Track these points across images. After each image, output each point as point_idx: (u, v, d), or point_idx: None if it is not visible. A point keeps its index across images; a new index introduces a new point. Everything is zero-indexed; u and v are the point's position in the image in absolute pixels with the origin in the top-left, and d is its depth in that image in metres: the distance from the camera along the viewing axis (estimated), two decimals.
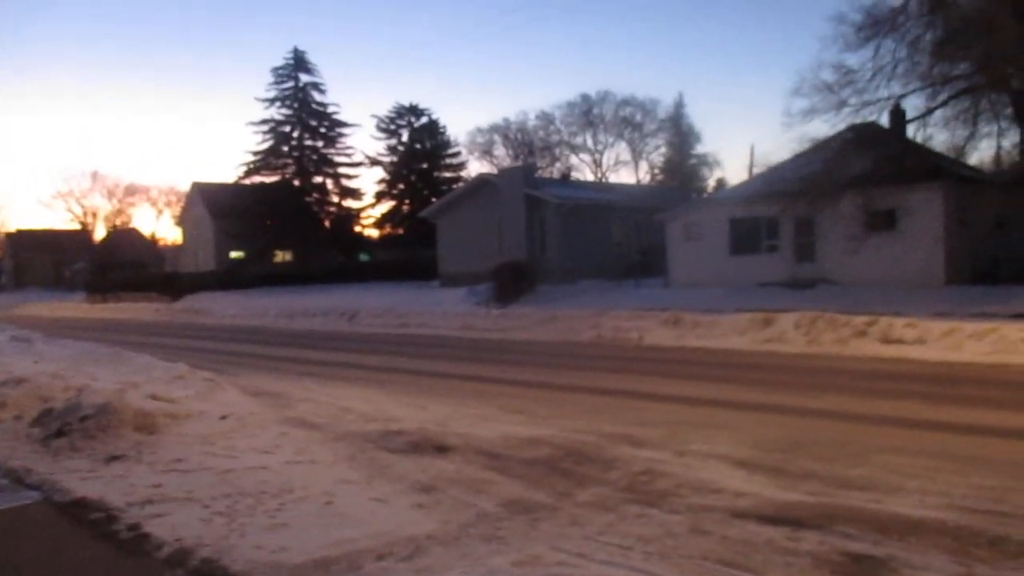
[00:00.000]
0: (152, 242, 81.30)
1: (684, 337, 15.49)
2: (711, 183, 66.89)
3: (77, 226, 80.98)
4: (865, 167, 20.34)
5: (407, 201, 55.15)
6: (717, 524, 4.66)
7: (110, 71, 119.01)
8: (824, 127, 21.04)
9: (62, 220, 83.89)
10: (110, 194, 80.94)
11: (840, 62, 20.35)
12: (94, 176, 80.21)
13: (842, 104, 19.93)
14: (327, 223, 54.14)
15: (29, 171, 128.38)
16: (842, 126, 20.60)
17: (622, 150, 67.97)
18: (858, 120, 20.38)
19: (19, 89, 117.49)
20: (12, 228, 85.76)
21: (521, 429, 7.50)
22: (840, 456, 6.16)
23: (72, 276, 69.74)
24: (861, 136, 20.89)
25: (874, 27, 19.50)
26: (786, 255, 24.64)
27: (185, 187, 63.46)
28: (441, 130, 57.47)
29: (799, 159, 21.65)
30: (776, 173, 22.89)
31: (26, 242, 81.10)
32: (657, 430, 7.30)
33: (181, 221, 62.72)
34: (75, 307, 47.76)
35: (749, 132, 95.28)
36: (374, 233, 58.17)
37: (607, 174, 65.55)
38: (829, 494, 5.20)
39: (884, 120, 21.92)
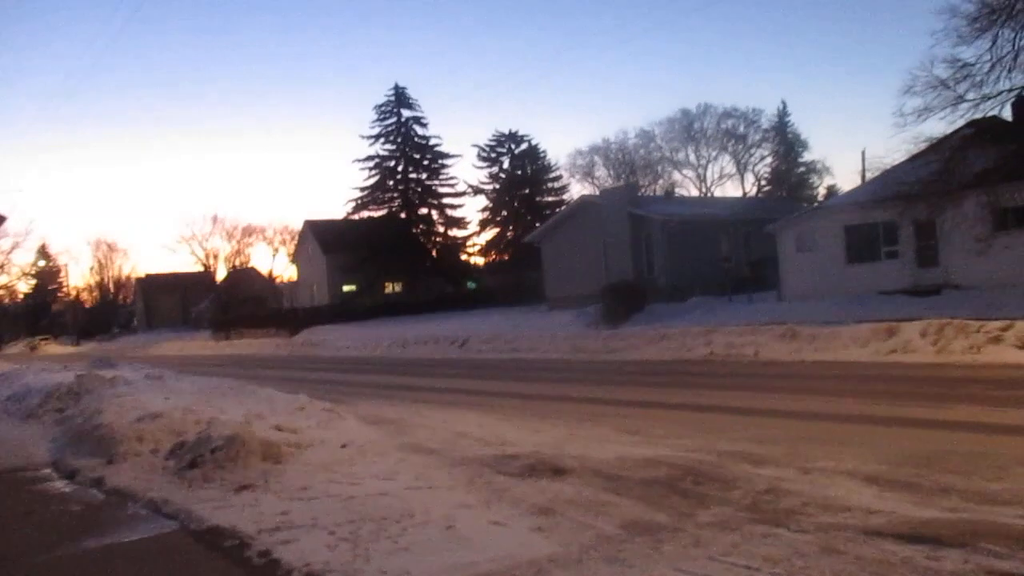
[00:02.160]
0: (269, 279, 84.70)
1: (802, 351, 15.03)
2: (821, 191, 65.11)
3: (200, 267, 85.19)
4: (989, 164, 19.32)
5: (511, 227, 55.71)
6: (849, 543, 4.47)
7: (223, 117, 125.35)
8: (940, 125, 20.17)
9: (186, 263, 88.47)
10: (229, 235, 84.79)
11: (954, 56, 19.38)
12: (214, 219, 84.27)
13: (959, 100, 19.00)
14: (434, 253, 55.27)
15: (155, 217, 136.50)
16: (960, 123, 19.64)
17: (726, 163, 66.93)
18: (978, 115, 19.38)
19: (144, 140, 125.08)
20: (142, 273, 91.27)
21: (637, 450, 7.41)
22: (979, 470, 5.82)
23: (197, 315, 73.29)
24: (982, 131, 19.86)
25: (990, 17, 18.54)
26: (907, 261, 23.61)
27: (298, 225, 66.00)
28: (541, 155, 57.92)
29: (915, 160, 20.74)
30: (891, 176, 22.00)
31: (155, 285, 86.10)
32: (778, 447, 7.08)
33: (295, 258, 65.14)
34: (201, 344, 50.18)
35: (858, 136, 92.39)
36: (480, 260, 58.96)
37: (712, 188, 64.54)
38: (970, 510, 4.91)
39: (1007, 113, 20.78)
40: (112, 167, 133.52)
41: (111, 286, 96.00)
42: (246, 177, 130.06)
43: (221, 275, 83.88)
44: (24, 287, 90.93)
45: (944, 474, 5.77)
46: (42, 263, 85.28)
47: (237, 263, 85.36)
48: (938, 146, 20.06)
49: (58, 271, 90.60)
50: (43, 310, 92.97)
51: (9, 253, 64.80)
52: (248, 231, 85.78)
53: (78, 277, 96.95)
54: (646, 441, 7.85)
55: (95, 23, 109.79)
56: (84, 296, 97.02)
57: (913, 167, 20.52)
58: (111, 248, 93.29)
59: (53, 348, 69.85)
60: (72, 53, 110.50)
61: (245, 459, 7.38)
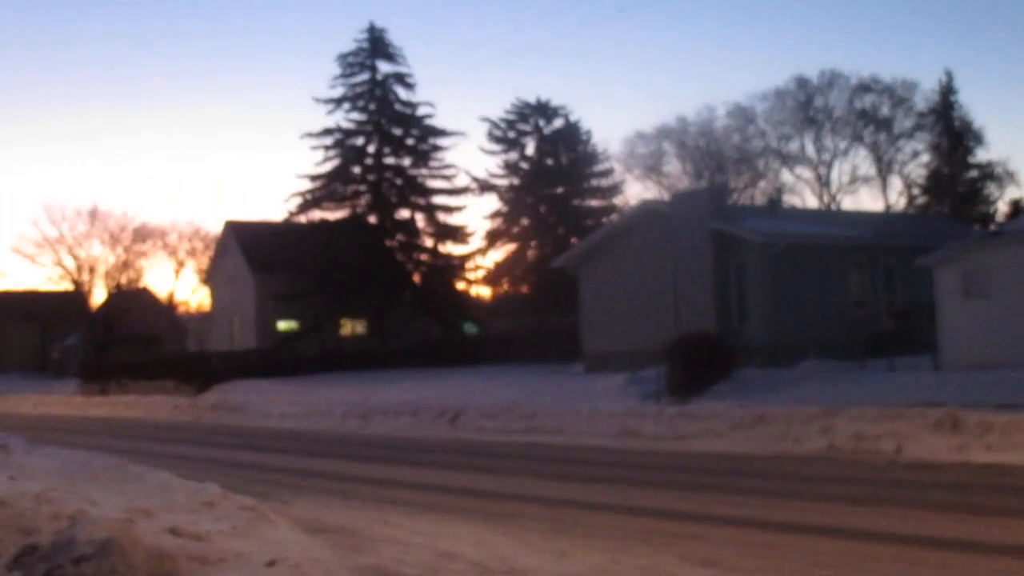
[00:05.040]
0: (169, 307, 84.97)
1: (967, 448, 14.98)
2: (1002, 207, 64.78)
3: (68, 286, 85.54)
4: None
5: (534, 243, 55.78)
6: None
7: (106, 86, 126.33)
8: None
9: (48, 278, 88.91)
10: (113, 240, 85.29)
11: None
12: (92, 215, 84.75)
13: None
14: (417, 278, 55.16)
15: (4, 212, 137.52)
16: None
17: (861, 160, 66.89)
18: None
19: None
20: None
21: None
22: None
23: (61, 356, 73.58)
24: None
25: None
26: None
27: (215, 229, 66.44)
28: (583, 137, 58.07)
29: None
30: None
31: (0, 309, 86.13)
32: None
33: (209, 277, 65.38)
34: (66, 400, 50.36)
35: None
36: (485, 292, 58.96)
37: (839, 197, 64.54)
38: None
39: None
40: None
41: None
42: (141, 162, 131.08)
43: (100, 298, 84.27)
44: None
45: None
46: None
47: (123, 281, 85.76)
48: None
49: None
50: None
51: None
52: (141, 234, 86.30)
53: None
54: None
55: None
56: None
57: None
58: None
59: None
60: None
61: None
